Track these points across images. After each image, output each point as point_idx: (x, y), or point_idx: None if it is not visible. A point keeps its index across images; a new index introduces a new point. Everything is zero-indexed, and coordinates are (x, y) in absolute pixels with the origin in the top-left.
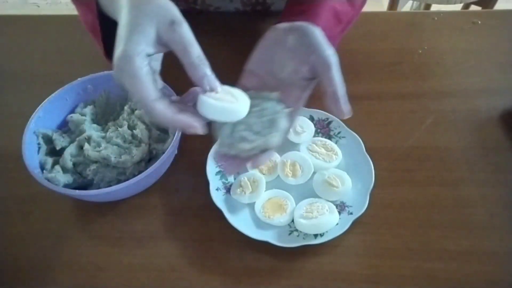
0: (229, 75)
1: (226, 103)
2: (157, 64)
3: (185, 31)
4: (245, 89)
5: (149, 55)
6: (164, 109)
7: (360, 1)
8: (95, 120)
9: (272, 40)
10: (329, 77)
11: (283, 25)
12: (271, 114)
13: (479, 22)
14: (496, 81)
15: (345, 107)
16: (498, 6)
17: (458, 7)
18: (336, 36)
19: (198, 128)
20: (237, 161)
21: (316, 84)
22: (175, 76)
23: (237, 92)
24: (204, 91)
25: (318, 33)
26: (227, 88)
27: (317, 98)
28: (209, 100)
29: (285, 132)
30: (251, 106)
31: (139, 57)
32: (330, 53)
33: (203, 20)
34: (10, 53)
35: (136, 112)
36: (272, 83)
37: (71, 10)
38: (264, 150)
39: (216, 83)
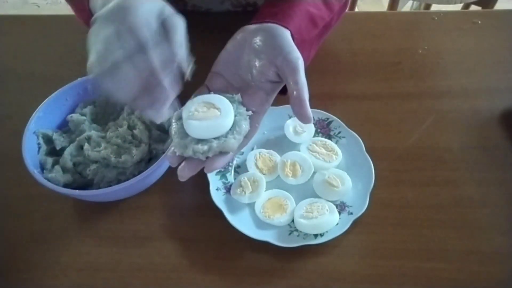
0: None
1: (211, 120)
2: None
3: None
4: (209, 91)
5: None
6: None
7: (338, 6)
8: (95, 120)
9: (239, 41)
10: (294, 80)
11: (252, 26)
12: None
13: (479, 22)
14: (496, 81)
15: (308, 112)
16: (498, 6)
17: (458, 7)
18: (313, 40)
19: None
20: (193, 164)
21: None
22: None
23: (218, 101)
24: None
25: (285, 35)
26: (208, 98)
27: (317, 98)
28: (193, 123)
29: (244, 135)
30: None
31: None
32: (296, 56)
33: (194, 20)
34: (10, 53)
35: (136, 112)
36: (237, 84)
37: (71, 10)
38: (221, 153)
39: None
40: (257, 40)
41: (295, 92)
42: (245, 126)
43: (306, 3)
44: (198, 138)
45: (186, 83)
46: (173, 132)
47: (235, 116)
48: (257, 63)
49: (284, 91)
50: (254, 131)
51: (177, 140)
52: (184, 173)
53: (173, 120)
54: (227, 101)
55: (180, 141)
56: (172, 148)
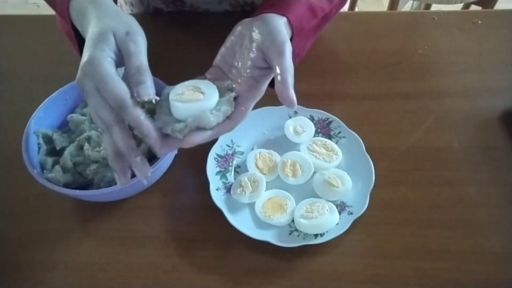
0: None
1: (193, 102)
2: None
3: (134, 42)
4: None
5: (115, 62)
6: (138, 110)
7: None
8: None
9: (236, 33)
10: (280, 63)
11: (249, 19)
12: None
13: (479, 22)
14: (496, 81)
15: (291, 96)
16: (498, 6)
17: (458, 7)
18: (312, 29)
19: (151, 139)
20: (171, 142)
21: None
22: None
23: (205, 85)
24: (136, 98)
25: (277, 22)
26: (197, 83)
27: (317, 98)
28: (177, 104)
29: (226, 115)
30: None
31: (106, 61)
32: (283, 39)
33: (193, 21)
34: (10, 53)
35: None
36: (232, 76)
37: None
38: (199, 129)
39: (149, 91)
40: (253, 31)
41: (279, 77)
42: (226, 106)
43: None
44: (180, 118)
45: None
46: (157, 107)
47: (221, 98)
48: (250, 52)
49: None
50: (241, 114)
51: (159, 116)
52: (164, 149)
53: (162, 98)
54: (213, 86)
55: (162, 117)
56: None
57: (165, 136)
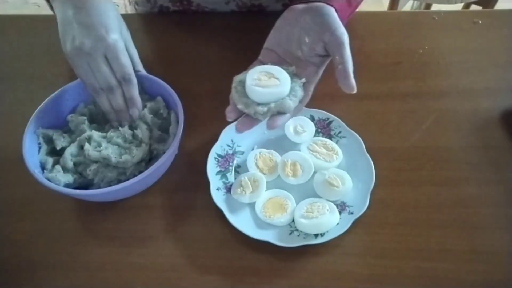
0: (229, 73)
1: (272, 88)
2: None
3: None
4: (263, 64)
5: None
6: (103, 103)
7: None
8: (95, 120)
9: (289, 20)
10: (341, 54)
11: (300, 6)
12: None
13: (480, 22)
14: (496, 81)
15: (352, 83)
16: (499, 6)
17: (458, 6)
18: (346, 18)
19: (135, 112)
20: (250, 121)
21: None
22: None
23: (276, 71)
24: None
25: (332, 13)
26: (268, 68)
27: (317, 98)
28: (257, 89)
29: (299, 99)
30: None
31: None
32: (343, 32)
33: (200, 21)
34: (11, 53)
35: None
36: (289, 59)
37: None
38: (279, 113)
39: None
40: (307, 19)
41: (340, 66)
42: (300, 91)
43: None
44: (259, 102)
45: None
46: (234, 91)
47: (291, 83)
48: (307, 40)
49: None
50: (307, 97)
51: (239, 98)
52: (242, 127)
53: (234, 84)
54: (284, 71)
55: (243, 99)
56: (231, 106)
57: (239, 114)
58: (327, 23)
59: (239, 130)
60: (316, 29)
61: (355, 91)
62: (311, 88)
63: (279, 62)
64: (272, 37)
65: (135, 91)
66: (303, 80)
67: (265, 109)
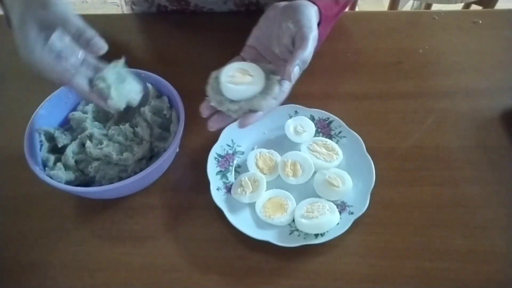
0: None
1: (245, 85)
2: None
3: (58, 9)
4: (244, 61)
5: (46, 37)
6: (81, 84)
7: None
8: (96, 118)
9: (269, 17)
10: (301, 46)
11: (281, 4)
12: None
13: (480, 22)
14: (497, 81)
15: (289, 70)
16: (499, 6)
17: (459, 6)
18: (333, 16)
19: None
20: (222, 118)
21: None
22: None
23: (252, 68)
24: (93, 54)
25: (309, 12)
26: (244, 65)
27: (317, 98)
28: (230, 86)
29: (273, 97)
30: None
31: (37, 45)
32: (311, 29)
33: (197, 20)
34: (10, 53)
35: (140, 109)
36: (268, 57)
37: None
38: (252, 111)
39: (102, 43)
40: (285, 17)
41: (295, 52)
42: (276, 89)
43: None
44: (232, 99)
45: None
46: (209, 88)
47: (268, 81)
48: (283, 37)
49: None
50: (283, 95)
51: (213, 95)
52: (214, 124)
53: (210, 80)
54: (260, 69)
55: (217, 96)
56: (205, 103)
57: (213, 111)
58: (301, 20)
59: (211, 127)
60: (291, 27)
61: (291, 80)
62: (288, 86)
63: (259, 59)
64: (253, 34)
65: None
66: (278, 77)
67: (236, 106)
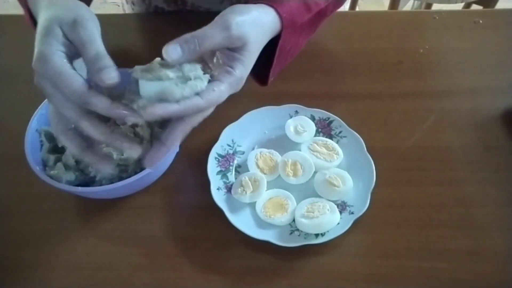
0: None
1: (161, 81)
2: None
3: (84, 30)
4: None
5: (67, 55)
6: (101, 99)
7: None
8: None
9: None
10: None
11: (235, 5)
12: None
13: (480, 21)
14: (497, 80)
15: (168, 45)
16: (499, 6)
17: (459, 6)
18: (306, 25)
19: (133, 119)
20: (154, 149)
21: None
22: None
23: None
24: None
25: (260, 14)
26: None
27: (318, 98)
28: (141, 82)
29: (190, 88)
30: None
31: (56, 55)
32: (245, 32)
33: (194, 20)
34: (11, 52)
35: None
36: (206, 57)
37: None
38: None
39: (112, 74)
40: (228, 19)
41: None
42: (194, 81)
43: None
44: (145, 96)
45: None
46: (126, 93)
47: (191, 74)
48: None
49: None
50: (213, 94)
51: (128, 97)
52: (149, 163)
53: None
54: (185, 64)
55: (129, 96)
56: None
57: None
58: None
59: (147, 164)
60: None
61: (169, 58)
62: (222, 87)
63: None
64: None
65: (101, 103)
66: (207, 76)
67: (144, 101)
